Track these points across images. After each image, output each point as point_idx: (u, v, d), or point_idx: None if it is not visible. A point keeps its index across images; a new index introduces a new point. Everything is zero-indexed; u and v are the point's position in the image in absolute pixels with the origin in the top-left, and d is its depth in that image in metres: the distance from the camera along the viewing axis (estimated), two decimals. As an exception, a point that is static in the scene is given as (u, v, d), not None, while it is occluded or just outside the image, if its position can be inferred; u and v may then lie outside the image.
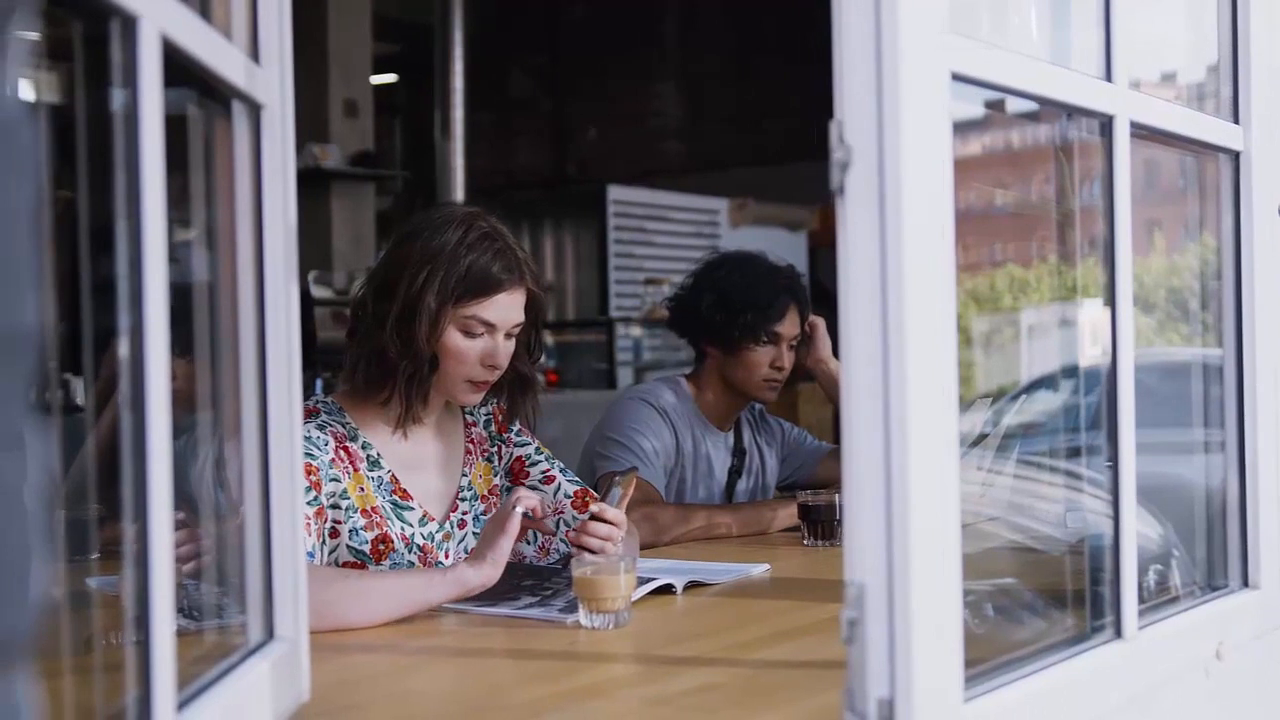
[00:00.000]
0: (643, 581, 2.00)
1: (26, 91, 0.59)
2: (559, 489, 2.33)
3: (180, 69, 1.09)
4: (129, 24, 0.96)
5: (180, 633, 1.04)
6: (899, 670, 1.14)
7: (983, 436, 2.27)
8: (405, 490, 2.19)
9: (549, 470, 2.35)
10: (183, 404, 1.09)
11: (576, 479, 2.37)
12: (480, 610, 1.92)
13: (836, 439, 3.65)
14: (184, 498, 1.22)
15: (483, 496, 2.31)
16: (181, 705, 1.06)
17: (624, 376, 7.32)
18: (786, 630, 1.86)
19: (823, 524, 2.59)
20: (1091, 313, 1.80)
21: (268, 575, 1.34)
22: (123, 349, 0.97)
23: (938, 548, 1.17)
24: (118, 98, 0.98)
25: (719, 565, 2.28)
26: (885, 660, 1.14)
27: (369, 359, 2.14)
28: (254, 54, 1.31)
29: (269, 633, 1.34)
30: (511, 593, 2.00)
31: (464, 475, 2.29)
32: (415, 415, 2.19)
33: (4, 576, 0.54)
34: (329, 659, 1.59)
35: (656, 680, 1.60)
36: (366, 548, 2.11)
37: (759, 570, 2.29)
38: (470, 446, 2.32)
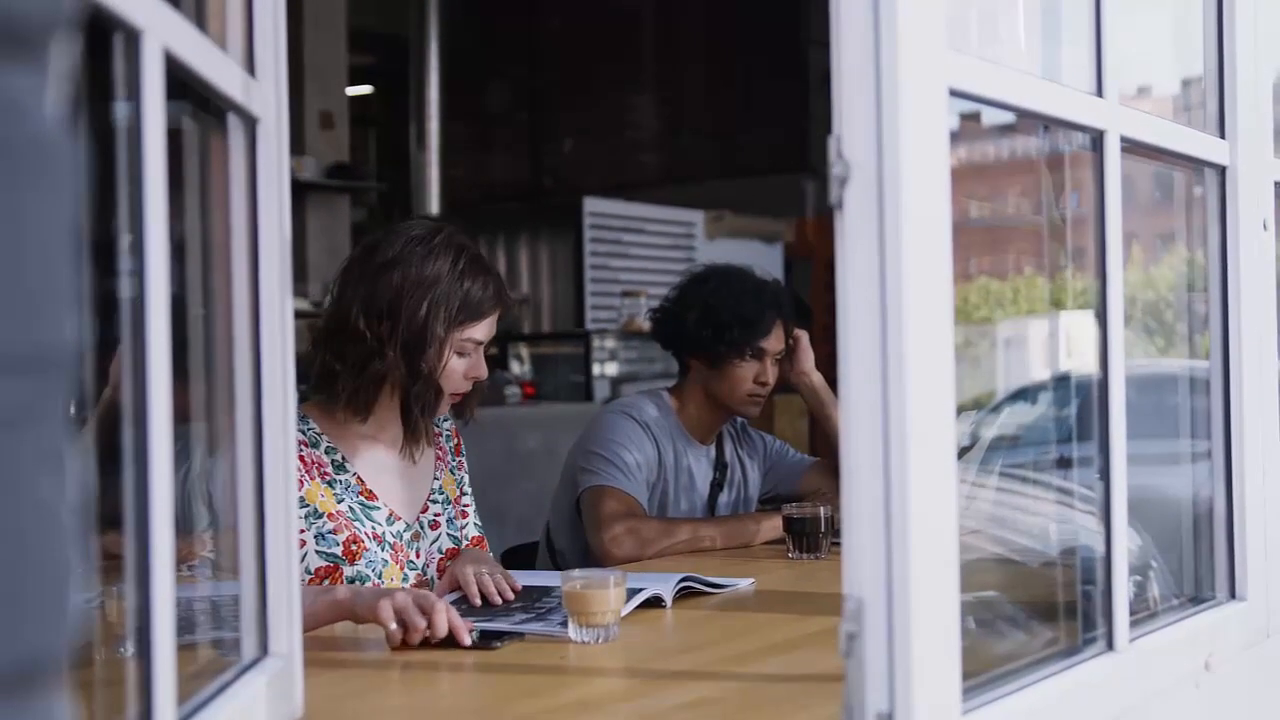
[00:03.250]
0: (632, 594, 1.99)
1: (65, 106, 0.59)
2: (465, 527, 2.40)
3: (176, 81, 1.08)
4: (132, 38, 0.96)
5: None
6: (898, 684, 1.14)
7: (964, 450, 2.28)
8: (371, 491, 2.24)
9: (468, 506, 2.44)
10: (174, 417, 1.09)
11: (480, 525, 2.45)
12: (479, 625, 1.91)
13: (814, 451, 3.66)
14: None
15: (454, 501, 2.38)
16: (180, 722, 1.05)
17: (600, 389, 7.31)
18: (778, 643, 1.86)
19: (808, 537, 2.59)
20: (1069, 325, 1.81)
21: (262, 592, 1.33)
22: (125, 364, 0.97)
23: (937, 561, 1.17)
24: (120, 110, 0.98)
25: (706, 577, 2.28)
26: (884, 674, 1.14)
27: (371, 383, 2.19)
28: (250, 67, 1.31)
29: (263, 649, 1.33)
30: (504, 612, 1.99)
31: (435, 479, 2.36)
32: (428, 436, 2.29)
33: (45, 596, 0.54)
34: (322, 675, 1.58)
35: (650, 694, 1.60)
36: (338, 549, 2.16)
37: (745, 584, 2.29)
38: (439, 454, 2.39)
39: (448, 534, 2.34)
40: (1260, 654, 1.79)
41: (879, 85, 1.14)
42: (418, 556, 2.28)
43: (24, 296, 0.54)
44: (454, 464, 2.43)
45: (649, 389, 3.15)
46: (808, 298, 7.13)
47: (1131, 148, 1.56)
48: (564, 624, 1.85)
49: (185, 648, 1.35)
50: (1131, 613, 1.53)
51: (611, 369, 7.49)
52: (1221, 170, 1.78)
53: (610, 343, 7.53)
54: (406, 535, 2.26)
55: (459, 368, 2.23)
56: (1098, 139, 1.49)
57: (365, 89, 10.21)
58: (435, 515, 2.33)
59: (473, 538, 2.41)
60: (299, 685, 1.38)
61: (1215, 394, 1.81)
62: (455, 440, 2.46)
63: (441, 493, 2.36)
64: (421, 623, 1.77)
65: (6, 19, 0.54)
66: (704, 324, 2.90)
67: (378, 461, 2.27)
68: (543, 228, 8.53)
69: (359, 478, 2.23)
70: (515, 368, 7.44)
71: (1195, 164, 1.79)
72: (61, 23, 0.58)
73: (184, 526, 1.45)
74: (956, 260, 1.21)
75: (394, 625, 1.77)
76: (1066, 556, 1.80)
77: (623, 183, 9.07)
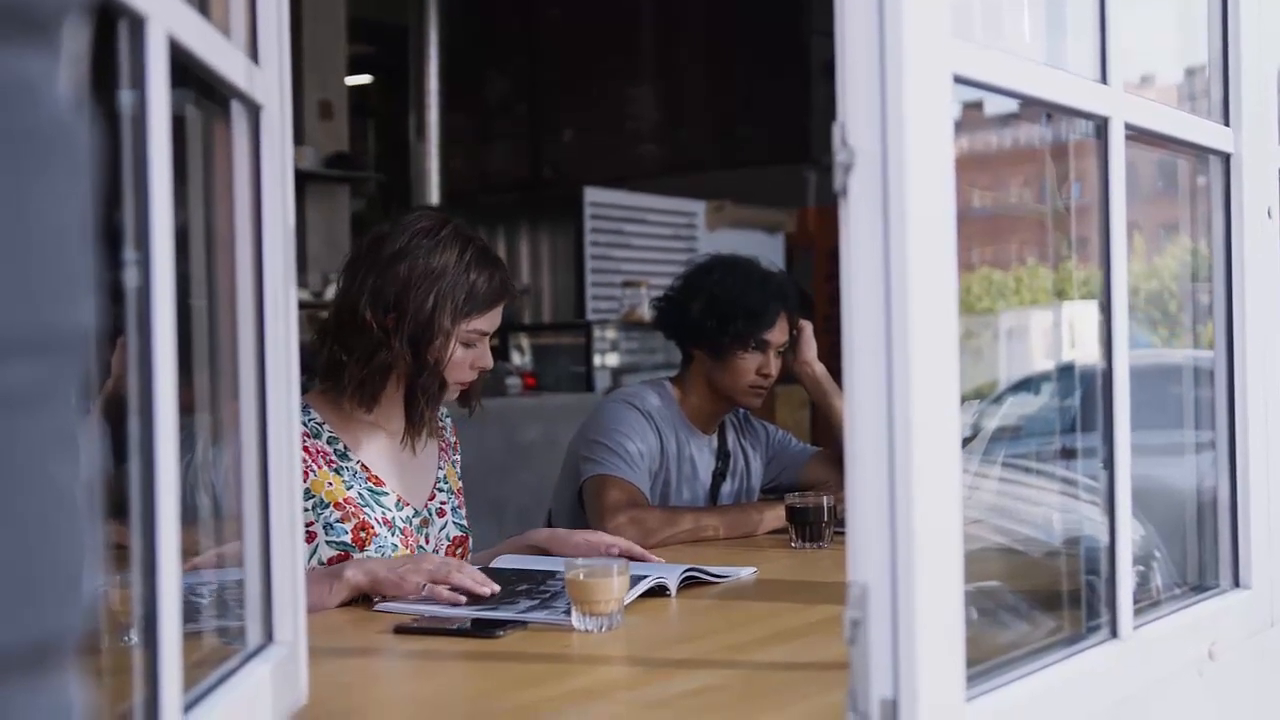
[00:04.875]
0: (635, 580, 1.99)
1: (79, 88, 0.59)
2: (444, 526, 2.38)
3: (179, 68, 1.08)
4: (137, 24, 0.95)
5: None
6: (902, 670, 1.14)
7: (966, 440, 2.28)
8: (378, 477, 2.26)
9: (458, 505, 2.44)
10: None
11: (463, 524, 2.43)
12: (482, 614, 1.91)
13: (815, 441, 3.66)
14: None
15: (456, 492, 2.41)
16: (185, 709, 1.05)
17: (601, 379, 7.31)
18: (781, 632, 1.86)
19: (810, 526, 2.59)
20: (1072, 315, 1.81)
21: (266, 579, 1.33)
22: (130, 352, 0.97)
23: (941, 547, 1.17)
24: (124, 97, 0.97)
25: (708, 566, 2.28)
26: (888, 660, 1.15)
27: (377, 373, 2.20)
28: (253, 54, 1.30)
29: (268, 636, 1.33)
30: (508, 598, 1.99)
31: (440, 469, 2.38)
32: (432, 426, 2.31)
33: (60, 576, 0.54)
34: (326, 662, 1.58)
35: (654, 682, 1.60)
36: (347, 538, 2.17)
37: (747, 573, 2.29)
38: (442, 445, 2.42)
39: (454, 522, 2.37)
40: (1264, 642, 1.79)
41: (883, 72, 1.14)
42: (427, 542, 2.31)
43: (39, 279, 0.54)
44: (454, 459, 2.46)
45: (651, 379, 3.15)
46: (809, 288, 7.14)
47: (1136, 135, 1.56)
48: (568, 612, 1.85)
49: (190, 635, 1.35)
50: (1135, 602, 1.54)
51: (612, 360, 7.49)
52: (1226, 158, 1.78)
53: (611, 333, 7.53)
54: (415, 521, 2.29)
55: (465, 358, 2.25)
56: (1102, 126, 1.49)
57: (365, 79, 10.20)
58: (441, 504, 2.36)
59: (454, 538, 2.41)
60: (303, 672, 1.38)
61: (1219, 383, 1.81)
62: (454, 438, 2.49)
63: (445, 482, 2.39)
64: (463, 581, 1.98)
65: (21, 2, 0.54)
66: (708, 314, 2.90)
67: (382, 450, 2.29)
68: (543, 218, 8.54)
69: (364, 465, 2.24)
70: (516, 358, 7.44)
71: (1200, 151, 1.78)
72: (74, 6, 0.58)
73: (187, 517, 1.46)
74: (959, 250, 1.21)
75: (426, 589, 1.97)
76: (1070, 546, 1.80)
77: (623, 173, 9.07)
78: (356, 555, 2.15)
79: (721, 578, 2.22)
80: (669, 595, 2.07)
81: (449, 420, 2.47)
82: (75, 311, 0.56)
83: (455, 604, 1.96)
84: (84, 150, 0.58)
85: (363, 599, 2.04)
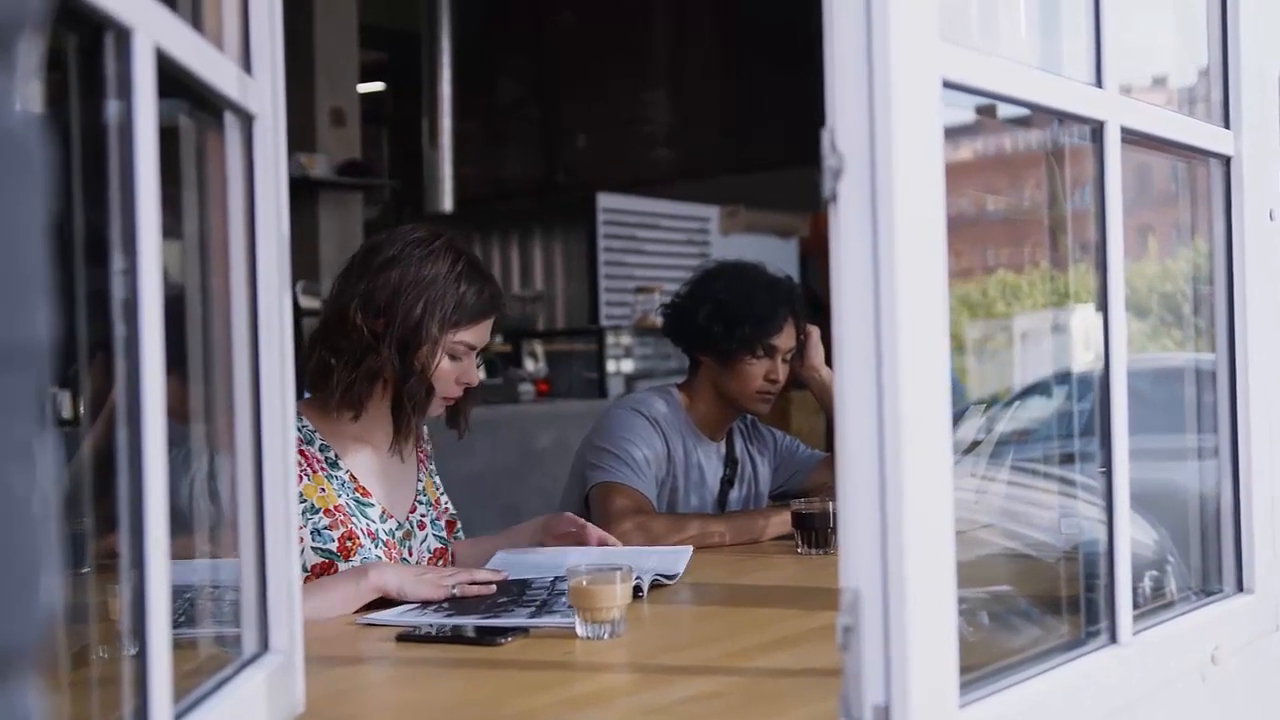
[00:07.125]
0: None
1: (34, 103, 0.59)
2: (425, 539, 2.39)
3: (171, 79, 1.09)
4: (123, 36, 0.96)
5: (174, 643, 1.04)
6: (895, 676, 1.14)
7: (976, 443, 2.28)
8: (364, 488, 2.28)
9: (436, 518, 2.44)
10: (174, 418, 1.09)
11: (443, 536, 2.43)
12: (487, 622, 1.91)
13: (828, 447, 3.65)
14: (176, 511, 1.22)
15: (434, 503, 2.42)
16: (178, 717, 1.06)
17: (615, 386, 7.31)
18: (783, 638, 1.86)
19: (816, 532, 2.59)
20: (1084, 318, 1.80)
21: (262, 587, 1.34)
22: (118, 363, 0.97)
23: (933, 553, 1.17)
24: (111, 109, 0.98)
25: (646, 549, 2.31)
26: (881, 666, 1.14)
27: (365, 378, 2.22)
28: (246, 64, 1.31)
29: (264, 644, 1.34)
30: (504, 607, 1.99)
31: (419, 481, 2.40)
32: (416, 435, 2.31)
33: (13, 586, 0.54)
34: (323, 671, 1.59)
35: (654, 689, 1.60)
36: (334, 545, 2.19)
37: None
38: (421, 457, 2.43)
39: (433, 535, 2.39)
40: (1267, 647, 1.78)
41: (871, 77, 1.14)
42: (410, 554, 2.32)
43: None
44: (430, 467, 2.48)
45: (659, 385, 3.15)
46: (824, 293, 7.11)
47: (1134, 139, 1.55)
48: (571, 613, 1.85)
49: (187, 643, 1.35)
50: (1145, 607, 1.53)
51: (626, 366, 7.49)
52: (1226, 160, 1.77)
53: (625, 339, 7.53)
54: (399, 534, 2.31)
55: (450, 371, 2.26)
56: (1098, 130, 1.49)
57: (377, 85, 10.21)
58: (421, 516, 2.38)
59: (435, 550, 2.41)
60: (300, 680, 1.38)
61: (1222, 386, 1.80)
62: (430, 448, 2.51)
63: (425, 494, 2.41)
64: (483, 576, 2.12)
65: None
66: (715, 320, 2.90)
67: (367, 461, 2.31)
68: (556, 224, 8.53)
69: (352, 475, 2.26)
70: (529, 365, 7.44)
71: (1200, 154, 1.78)
72: (29, 22, 0.58)
73: (197, 527, 1.46)
74: (973, 253, 1.21)
75: (459, 589, 2.08)
76: (1076, 551, 1.80)
77: (636, 178, 9.06)
78: (342, 565, 2.17)
79: (671, 578, 2.25)
80: (642, 597, 2.08)
81: (425, 429, 2.48)
82: (33, 323, 0.57)
83: (486, 595, 2.08)
84: (40, 164, 0.59)
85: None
